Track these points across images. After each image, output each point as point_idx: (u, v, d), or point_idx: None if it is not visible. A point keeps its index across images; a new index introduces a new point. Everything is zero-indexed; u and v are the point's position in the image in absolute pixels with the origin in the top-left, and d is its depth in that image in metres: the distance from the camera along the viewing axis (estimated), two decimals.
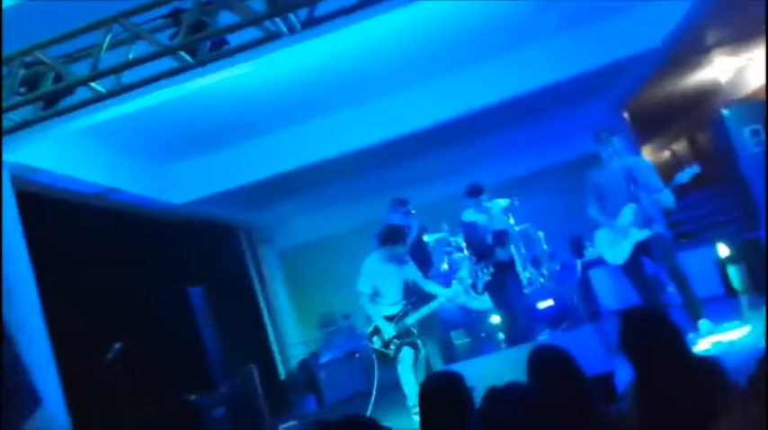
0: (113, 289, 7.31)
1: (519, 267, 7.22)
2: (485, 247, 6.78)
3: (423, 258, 7.03)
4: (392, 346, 6.53)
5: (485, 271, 6.57)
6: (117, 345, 6.08)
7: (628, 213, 6.04)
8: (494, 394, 2.63)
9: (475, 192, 6.79)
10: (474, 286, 6.84)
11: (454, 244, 8.96)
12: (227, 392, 7.57)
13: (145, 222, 8.79)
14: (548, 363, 3.13)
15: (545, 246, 9.01)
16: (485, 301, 8.23)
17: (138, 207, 8.49)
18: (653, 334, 3.07)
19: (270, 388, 9.54)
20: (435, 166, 11.88)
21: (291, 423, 8.06)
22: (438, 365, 6.86)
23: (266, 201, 11.39)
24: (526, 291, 8.16)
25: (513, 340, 6.64)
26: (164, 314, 7.85)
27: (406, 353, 6.50)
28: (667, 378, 3.02)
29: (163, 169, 8.99)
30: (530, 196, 6.96)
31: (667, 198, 5.95)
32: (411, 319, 6.53)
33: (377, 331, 6.64)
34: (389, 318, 6.57)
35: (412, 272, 6.66)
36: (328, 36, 5.43)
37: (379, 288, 6.63)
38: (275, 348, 12.22)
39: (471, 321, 8.92)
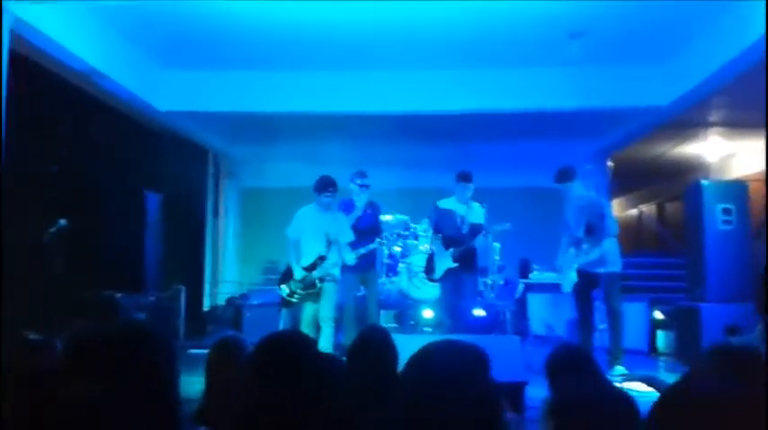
0: (73, 172, 7.23)
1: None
2: (458, 236, 6.70)
3: (369, 229, 6.98)
4: (296, 296, 6.48)
5: (451, 257, 6.57)
6: (62, 221, 6.03)
7: (571, 253, 6.44)
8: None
9: (467, 178, 6.74)
10: (431, 269, 6.78)
11: (412, 230, 9.05)
12: (153, 301, 7.56)
13: (122, 117, 8.67)
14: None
15: (497, 258, 9.16)
16: (424, 292, 8.36)
17: (119, 100, 8.34)
18: (576, 366, 3.16)
19: (190, 313, 9.55)
20: (417, 155, 11.97)
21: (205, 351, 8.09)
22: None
23: (244, 136, 11.31)
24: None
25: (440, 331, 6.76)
26: (116, 209, 7.78)
27: (308, 308, 6.45)
28: (582, 398, 3.14)
29: (157, 72, 8.84)
30: (496, 208, 7.02)
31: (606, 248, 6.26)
32: (318, 273, 6.39)
33: (286, 278, 6.57)
34: (303, 268, 6.48)
35: (334, 225, 6.50)
36: None
37: (302, 236, 6.56)
38: (207, 279, 12.20)
39: (404, 307, 9.02)
